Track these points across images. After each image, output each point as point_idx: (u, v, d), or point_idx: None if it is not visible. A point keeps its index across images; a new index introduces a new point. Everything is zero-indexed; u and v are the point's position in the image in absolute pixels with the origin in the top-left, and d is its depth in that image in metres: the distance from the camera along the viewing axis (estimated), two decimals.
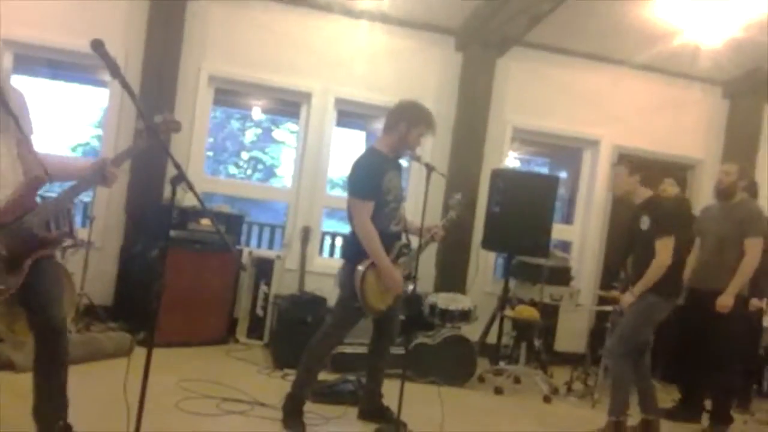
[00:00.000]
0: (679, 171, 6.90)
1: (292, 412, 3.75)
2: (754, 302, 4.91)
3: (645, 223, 4.24)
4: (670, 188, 5.29)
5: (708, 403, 4.86)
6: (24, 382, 2.93)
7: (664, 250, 4.13)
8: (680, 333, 4.86)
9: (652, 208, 4.26)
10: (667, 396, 5.11)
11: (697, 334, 4.72)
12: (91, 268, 5.07)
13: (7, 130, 2.66)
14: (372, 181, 3.70)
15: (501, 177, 5.76)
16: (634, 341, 4.23)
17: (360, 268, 3.66)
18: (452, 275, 6.08)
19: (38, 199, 2.76)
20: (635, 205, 4.35)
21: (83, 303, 4.99)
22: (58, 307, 2.83)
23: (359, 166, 3.77)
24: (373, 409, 4.01)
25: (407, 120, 3.76)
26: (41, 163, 2.68)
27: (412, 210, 5.62)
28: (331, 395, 4.27)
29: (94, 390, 3.50)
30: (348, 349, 4.86)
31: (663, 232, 4.15)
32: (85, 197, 6.08)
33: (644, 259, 4.20)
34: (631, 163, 4.39)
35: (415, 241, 3.92)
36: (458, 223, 4.28)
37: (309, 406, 4.03)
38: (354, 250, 3.74)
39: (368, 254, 3.66)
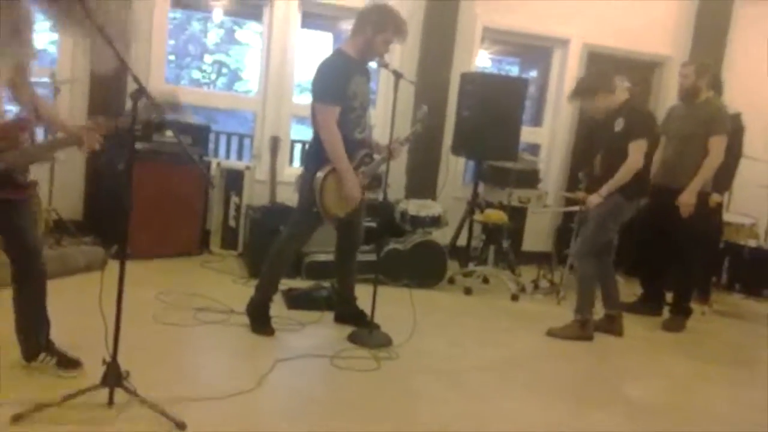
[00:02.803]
0: (648, 68, 6.88)
1: (259, 316, 3.83)
2: (715, 197, 5.03)
3: (619, 124, 4.25)
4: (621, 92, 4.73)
5: (669, 297, 5.07)
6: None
7: (637, 152, 4.19)
8: (643, 229, 5.00)
9: (627, 110, 4.27)
10: (630, 291, 5.32)
11: (659, 230, 4.86)
12: (57, 182, 4.98)
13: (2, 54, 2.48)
14: (337, 85, 3.60)
15: (470, 81, 5.68)
16: (599, 241, 4.35)
17: (320, 174, 3.62)
18: (422, 181, 6.11)
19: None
20: (610, 109, 4.32)
21: (52, 218, 4.93)
22: (32, 231, 2.83)
23: (324, 69, 3.66)
24: (348, 313, 4.11)
25: (374, 24, 3.62)
26: (33, 104, 2.58)
27: (381, 118, 5.58)
28: (306, 302, 4.37)
29: (70, 305, 3.52)
30: (321, 257, 4.93)
31: (637, 135, 4.19)
32: None
33: (614, 160, 4.24)
34: (595, 80, 4.37)
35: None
36: (422, 134, 4.22)
37: (286, 313, 4.15)
38: (315, 156, 3.69)
39: (330, 160, 3.61)
